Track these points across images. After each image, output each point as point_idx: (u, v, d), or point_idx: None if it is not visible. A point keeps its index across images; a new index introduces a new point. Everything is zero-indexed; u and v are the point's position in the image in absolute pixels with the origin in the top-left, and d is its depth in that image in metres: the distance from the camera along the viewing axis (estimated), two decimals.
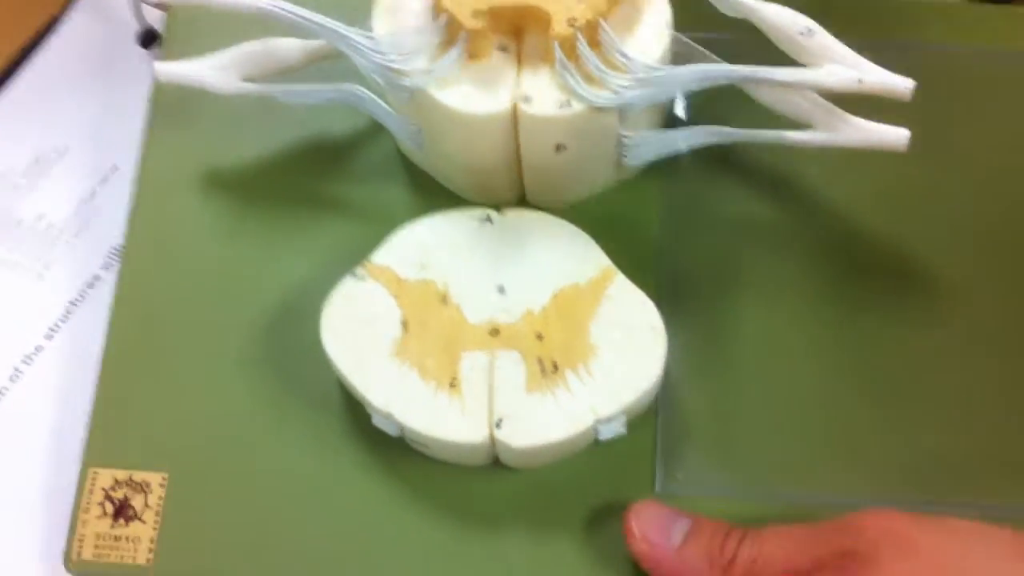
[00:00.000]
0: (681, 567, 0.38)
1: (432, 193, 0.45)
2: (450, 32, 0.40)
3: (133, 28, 0.53)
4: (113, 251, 0.49)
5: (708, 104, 0.45)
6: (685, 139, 0.42)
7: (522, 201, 0.45)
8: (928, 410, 0.42)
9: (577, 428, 0.40)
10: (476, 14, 0.39)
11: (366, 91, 0.43)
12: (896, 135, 0.41)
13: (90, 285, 0.49)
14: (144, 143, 0.48)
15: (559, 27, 0.39)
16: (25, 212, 0.50)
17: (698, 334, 0.43)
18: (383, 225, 0.43)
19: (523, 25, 0.40)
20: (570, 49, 0.39)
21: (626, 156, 0.43)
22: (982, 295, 0.44)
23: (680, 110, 0.45)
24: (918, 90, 0.39)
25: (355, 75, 0.43)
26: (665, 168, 0.45)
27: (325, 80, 0.46)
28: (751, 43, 0.42)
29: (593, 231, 0.43)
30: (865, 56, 0.40)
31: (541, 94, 0.40)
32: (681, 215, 0.45)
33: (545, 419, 0.40)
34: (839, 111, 0.41)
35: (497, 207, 0.43)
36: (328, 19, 0.41)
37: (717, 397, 0.43)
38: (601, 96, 0.39)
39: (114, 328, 0.45)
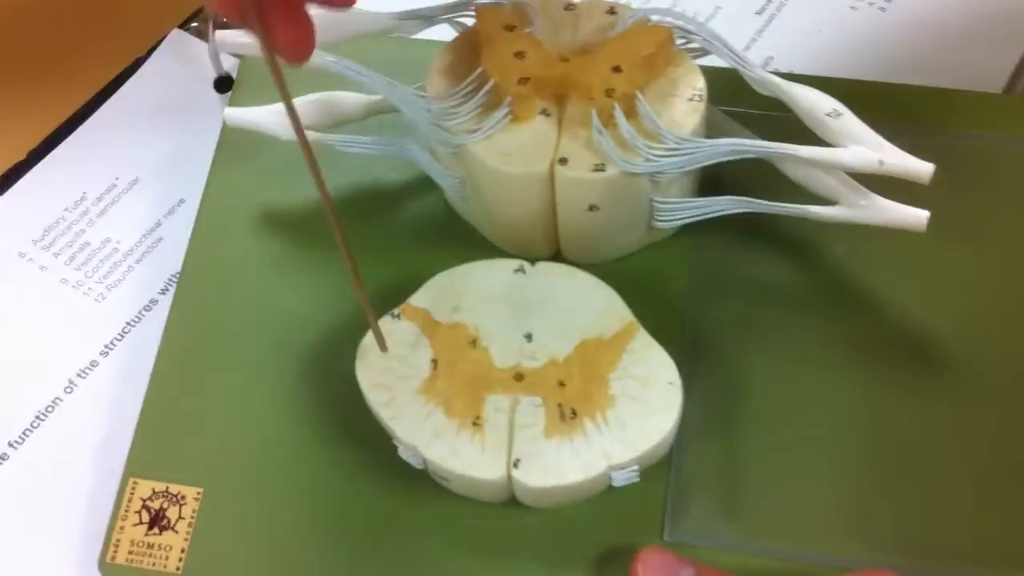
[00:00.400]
0: None
1: (473, 244, 0.48)
2: (497, 96, 0.43)
3: (210, 73, 0.56)
4: (172, 278, 0.52)
5: (739, 172, 0.47)
6: (715, 207, 0.45)
7: (557, 256, 0.48)
8: (936, 480, 0.43)
9: (591, 473, 0.42)
10: (521, 81, 0.42)
11: (416, 145, 0.46)
12: (916, 216, 0.42)
13: (147, 308, 0.52)
14: (208, 179, 0.51)
15: (597, 97, 0.41)
16: (94, 236, 0.54)
17: (716, 391, 0.45)
18: (424, 271, 0.46)
19: (565, 93, 0.43)
20: (607, 117, 0.42)
21: (657, 219, 0.45)
22: (998, 373, 0.45)
23: (710, 176, 0.47)
24: (945, 173, 0.41)
25: (407, 129, 0.46)
26: (695, 231, 0.48)
27: (380, 130, 0.49)
28: (786, 118, 0.45)
29: (621, 287, 0.45)
30: (896, 141, 0.42)
31: (577, 157, 0.42)
32: (708, 277, 0.47)
33: (561, 462, 0.42)
34: (863, 190, 0.43)
35: (532, 260, 0.46)
36: (387, 78, 0.44)
37: (730, 452, 0.44)
38: (634, 163, 0.42)
39: (164, 348, 0.48)
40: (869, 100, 0.45)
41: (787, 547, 0.43)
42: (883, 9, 0.58)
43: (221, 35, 0.46)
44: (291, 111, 0.36)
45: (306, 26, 0.35)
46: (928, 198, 0.42)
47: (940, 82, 0.53)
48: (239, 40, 0.46)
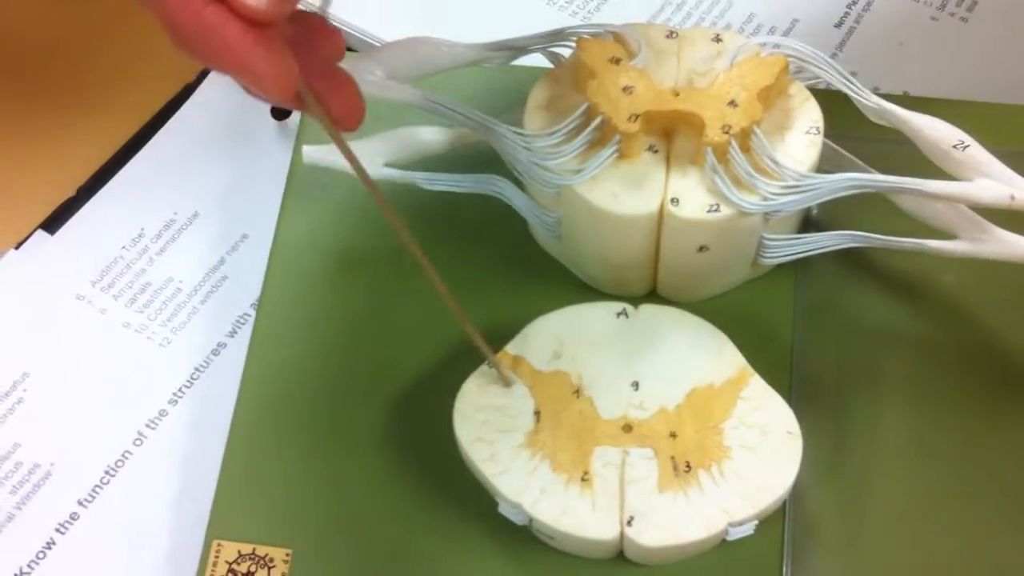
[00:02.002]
0: None
1: (564, 282, 0.46)
2: (603, 132, 0.40)
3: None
4: (240, 319, 0.50)
5: (844, 204, 0.45)
6: (824, 242, 0.43)
7: (653, 294, 0.45)
8: None
9: (709, 530, 0.40)
10: (631, 117, 0.39)
11: (507, 181, 0.44)
12: None
13: (215, 352, 0.49)
14: (280, 215, 0.48)
15: (713, 134, 0.39)
16: (155, 276, 0.51)
17: (830, 436, 0.43)
18: (515, 312, 0.44)
19: (674, 128, 0.41)
20: (722, 154, 0.39)
21: (764, 256, 0.43)
22: None
23: (815, 208, 0.45)
24: None
25: (493, 161, 0.44)
26: (798, 265, 0.45)
27: (462, 164, 0.47)
28: (896, 144, 0.42)
29: (725, 327, 0.43)
30: (1017, 167, 0.40)
31: (689, 196, 0.40)
32: (814, 315, 0.45)
33: (676, 519, 0.40)
34: (985, 223, 0.41)
35: (628, 298, 0.43)
36: (476, 111, 0.42)
37: (847, 499, 0.42)
38: (751, 201, 0.39)
39: (243, 399, 0.45)
40: (976, 121, 0.43)
41: None
42: (964, 20, 0.56)
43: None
44: (370, 185, 0.37)
45: (356, 96, 0.36)
46: None
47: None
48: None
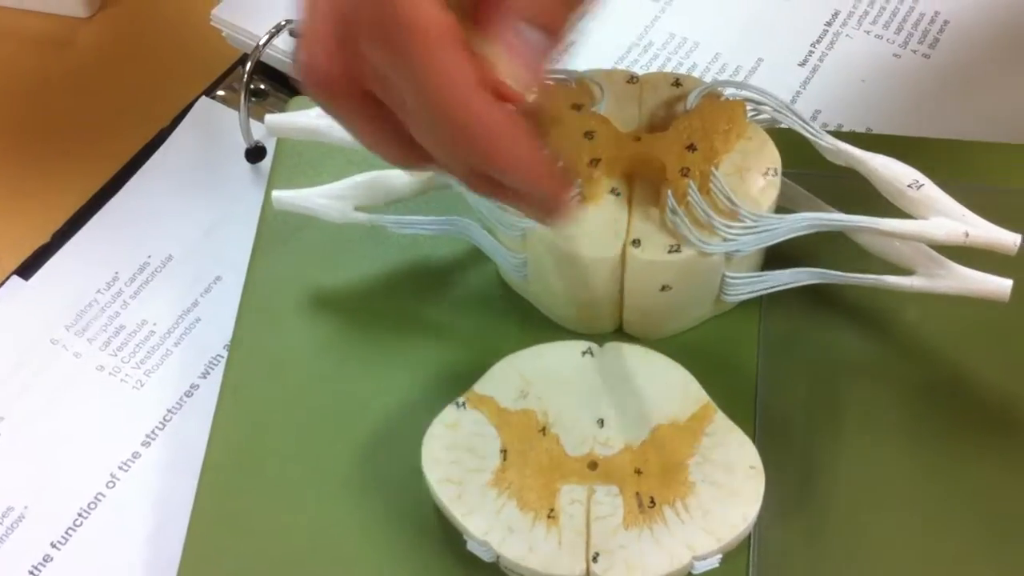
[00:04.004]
0: None
1: (531, 321, 0.46)
2: None
3: (241, 143, 0.55)
4: (212, 360, 0.50)
5: (806, 241, 0.46)
6: (786, 280, 0.43)
7: (619, 331, 0.46)
8: None
9: (674, 565, 0.40)
10: (592, 162, 0.40)
11: (474, 223, 0.44)
12: (998, 285, 0.41)
13: (188, 394, 0.50)
14: (251, 259, 0.49)
15: (673, 177, 0.40)
16: (128, 319, 0.52)
17: (794, 470, 0.43)
18: (483, 351, 0.44)
19: (635, 171, 0.42)
20: (681, 196, 0.40)
21: (727, 294, 0.44)
22: None
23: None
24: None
25: (461, 203, 0.45)
26: (761, 302, 0.46)
27: (431, 206, 0.47)
28: (855, 181, 0.43)
29: (689, 363, 0.43)
30: (969, 200, 0.41)
31: (651, 238, 0.41)
32: (778, 351, 0.46)
33: (641, 555, 0.40)
34: (942, 259, 0.42)
35: (595, 335, 0.44)
36: None
37: (811, 534, 0.43)
38: (711, 242, 0.40)
39: (214, 440, 0.46)
40: (932, 158, 0.43)
41: None
42: (927, 56, 0.57)
43: (270, 119, 0.44)
44: None
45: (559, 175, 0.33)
46: (997, 258, 0.41)
47: (988, 132, 0.51)
48: (288, 122, 0.44)
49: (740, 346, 0.46)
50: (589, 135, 0.41)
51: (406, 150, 0.31)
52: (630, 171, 0.42)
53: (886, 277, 0.43)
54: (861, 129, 0.54)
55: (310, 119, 0.43)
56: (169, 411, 0.49)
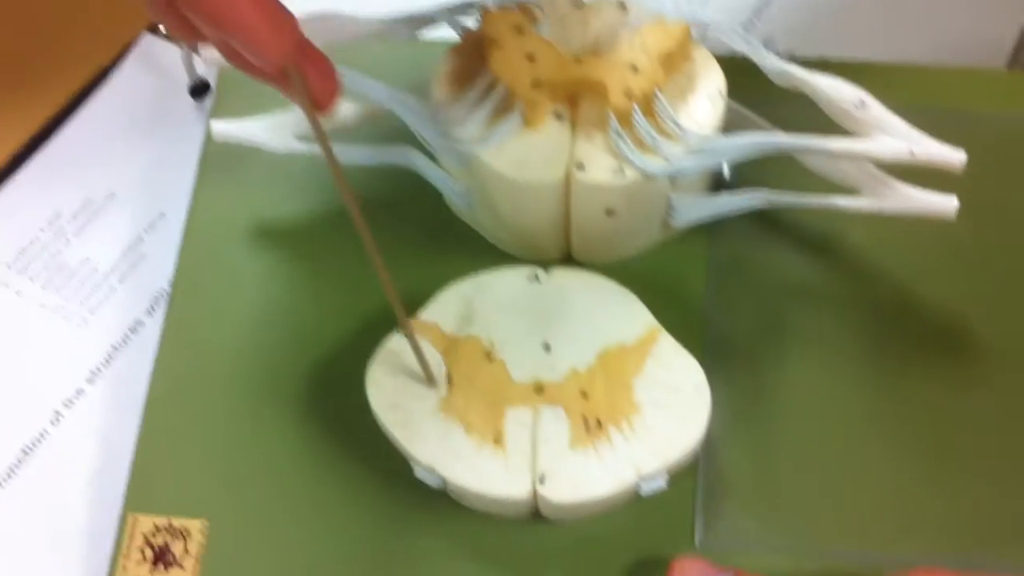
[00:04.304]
0: None
1: (479, 249, 0.46)
2: (507, 100, 0.40)
3: (184, 79, 0.54)
4: (157, 297, 0.50)
5: (754, 164, 0.46)
6: (733, 203, 0.43)
7: (568, 258, 0.46)
8: (973, 470, 0.42)
9: (620, 485, 0.40)
10: (534, 85, 0.40)
11: (419, 153, 0.44)
12: (944, 203, 0.41)
13: (133, 330, 0.49)
14: (194, 193, 0.48)
15: (616, 98, 0.39)
16: (71, 257, 0.51)
17: (742, 391, 0.44)
18: (429, 280, 0.44)
19: (578, 94, 0.41)
20: (625, 118, 0.40)
21: (673, 218, 0.44)
22: None
23: (726, 172, 0.46)
24: (967, 155, 0.40)
25: (406, 134, 0.44)
26: (710, 226, 0.46)
27: (376, 137, 0.47)
28: (801, 106, 0.43)
29: (638, 288, 0.43)
30: (913, 123, 0.41)
31: (594, 162, 0.40)
32: (726, 274, 0.45)
33: (588, 476, 0.40)
34: (887, 178, 0.42)
35: (543, 264, 0.44)
36: (385, 85, 0.42)
37: (759, 453, 0.43)
38: (654, 164, 0.40)
39: (158, 375, 0.45)
40: (880, 82, 0.43)
41: (825, 546, 0.41)
42: None
43: (209, 52, 0.43)
44: (335, 166, 0.36)
45: (335, 76, 0.35)
46: (943, 179, 0.41)
47: (942, 56, 0.51)
48: None
49: (688, 271, 0.46)
50: (531, 58, 0.40)
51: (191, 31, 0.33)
52: (573, 94, 0.41)
53: (834, 198, 0.43)
54: (814, 57, 0.54)
55: None
56: (114, 348, 0.49)
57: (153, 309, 0.49)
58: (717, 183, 0.47)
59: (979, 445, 0.43)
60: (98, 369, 0.48)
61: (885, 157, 0.40)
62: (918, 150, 0.40)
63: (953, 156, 0.40)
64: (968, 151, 0.40)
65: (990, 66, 0.52)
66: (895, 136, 0.40)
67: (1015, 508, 0.42)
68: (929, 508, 0.42)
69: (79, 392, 0.48)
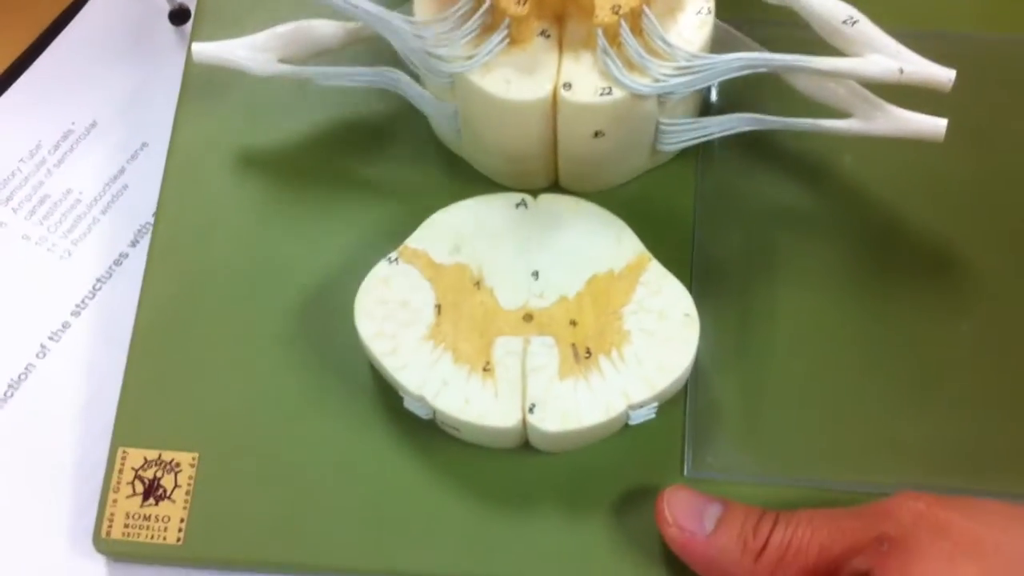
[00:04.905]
0: (714, 553, 0.38)
1: (466, 177, 0.45)
2: (493, 18, 0.40)
3: (164, 5, 0.53)
4: (141, 228, 0.49)
5: (742, 89, 0.45)
6: (721, 126, 0.42)
7: (555, 186, 0.45)
8: (960, 397, 0.42)
9: (609, 414, 0.40)
10: (520, 1, 0.39)
11: (404, 74, 0.43)
12: (933, 125, 0.41)
13: (117, 262, 0.49)
14: (176, 121, 0.48)
15: (603, 15, 0.39)
16: (53, 188, 0.50)
17: (730, 319, 0.43)
18: (417, 208, 0.43)
19: (565, 11, 0.40)
20: (612, 36, 0.39)
21: (663, 142, 0.43)
22: (1016, 283, 0.44)
23: (714, 95, 0.45)
24: (957, 79, 0.39)
25: (391, 57, 0.43)
26: (698, 153, 0.45)
27: (360, 61, 0.46)
28: (790, 28, 0.42)
29: (627, 216, 0.43)
30: (904, 45, 0.40)
31: (582, 81, 0.40)
32: (715, 201, 0.45)
33: (577, 404, 0.40)
34: (877, 100, 0.41)
35: (531, 192, 0.43)
36: (367, 2, 0.41)
37: (748, 382, 0.43)
38: (642, 84, 0.39)
39: (144, 307, 0.45)
40: (870, 3, 0.43)
41: (813, 476, 0.41)
42: None
43: None
44: None
45: None
46: (933, 101, 0.40)
47: None
48: None
49: (677, 198, 0.45)
50: None
51: None
52: (560, 11, 0.40)
53: (823, 121, 0.42)
54: None
55: None
56: (98, 280, 0.48)
57: (137, 241, 0.49)
58: (705, 110, 0.46)
59: (966, 372, 0.43)
60: (83, 302, 0.48)
61: (875, 76, 0.39)
62: (908, 69, 0.39)
63: (942, 74, 0.39)
64: (959, 73, 0.39)
65: None
66: (885, 54, 0.39)
67: (1000, 435, 0.42)
68: (916, 436, 0.42)
69: (65, 325, 0.47)
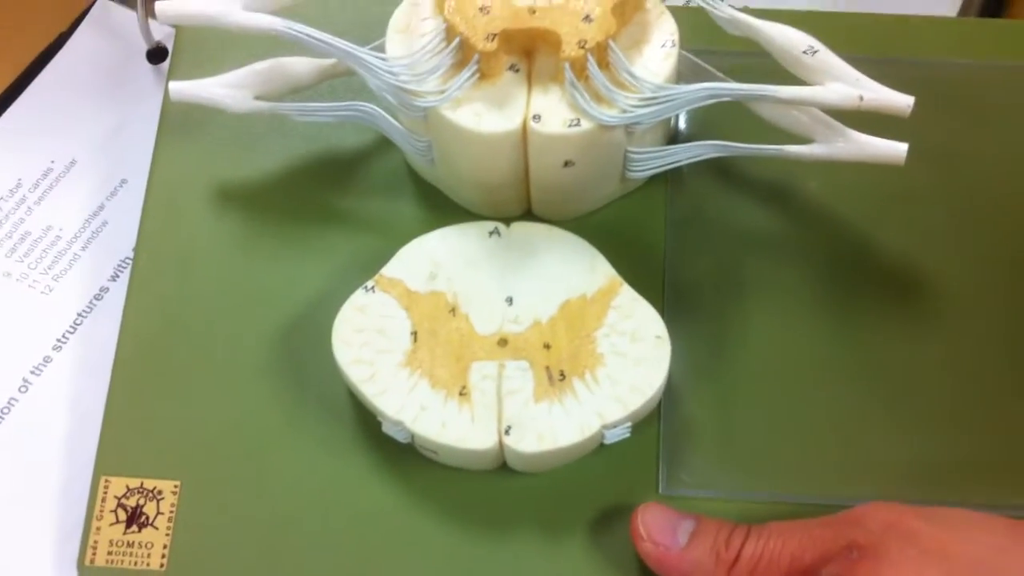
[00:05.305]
0: (687, 566, 0.39)
1: (440, 207, 0.46)
2: (463, 53, 0.41)
3: (141, 45, 0.54)
4: (121, 263, 0.50)
5: (709, 117, 0.46)
6: (688, 153, 0.44)
7: (528, 214, 0.46)
8: (928, 413, 0.43)
9: (584, 434, 0.41)
10: (489, 37, 0.40)
11: (377, 108, 0.44)
12: (894, 149, 0.42)
13: (98, 297, 0.49)
14: (154, 157, 0.48)
15: (569, 49, 0.40)
16: (34, 225, 0.51)
17: (702, 340, 0.44)
18: (392, 238, 0.44)
19: (534, 46, 0.42)
20: (580, 69, 0.40)
21: (631, 170, 0.44)
22: (981, 301, 0.45)
23: (682, 123, 0.46)
24: (916, 103, 0.41)
25: (364, 91, 0.44)
26: (668, 180, 0.47)
27: (334, 96, 0.47)
28: (753, 57, 0.44)
29: (599, 243, 0.44)
30: (863, 72, 0.41)
31: (551, 113, 0.41)
32: (685, 227, 0.46)
33: (553, 426, 0.41)
34: (839, 126, 0.42)
35: (504, 220, 0.44)
36: (341, 40, 0.42)
37: (720, 401, 0.44)
38: (610, 115, 0.40)
39: (124, 338, 0.45)
40: (830, 31, 0.44)
41: (785, 491, 0.42)
42: None
43: (160, 5, 0.43)
44: None
45: None
46: (895, 126, 0.42)
47: (892, 6, 0.52)
48: (179, 9, 0.43)
49: (647, 224, 0.46)
50: (484, 10, 0.40)
51: None
52: (528, 46, 0.41)
53: (787, 147, 0.43)
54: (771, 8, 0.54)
55: (201, 4, 0.42)
56: (79, 315, 0.49)
57: (116, 276, 0.50)
58: (673, 138, 0.47)
59: (932, 389, 0.44)
60: (64, 337, 0.48)
61: (835, 103, 0.41)
62: (868, 96, 0.40)
63: (901, 101, 0.40)
64: (918, 98, 0.41)
65: (940, 14, 0.53)
66: (845, 82, 0.41)
67: (965, 449, 0.43)
68: (885, 452, 0.43)
69: (46, 360, 0.48)
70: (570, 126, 0.41)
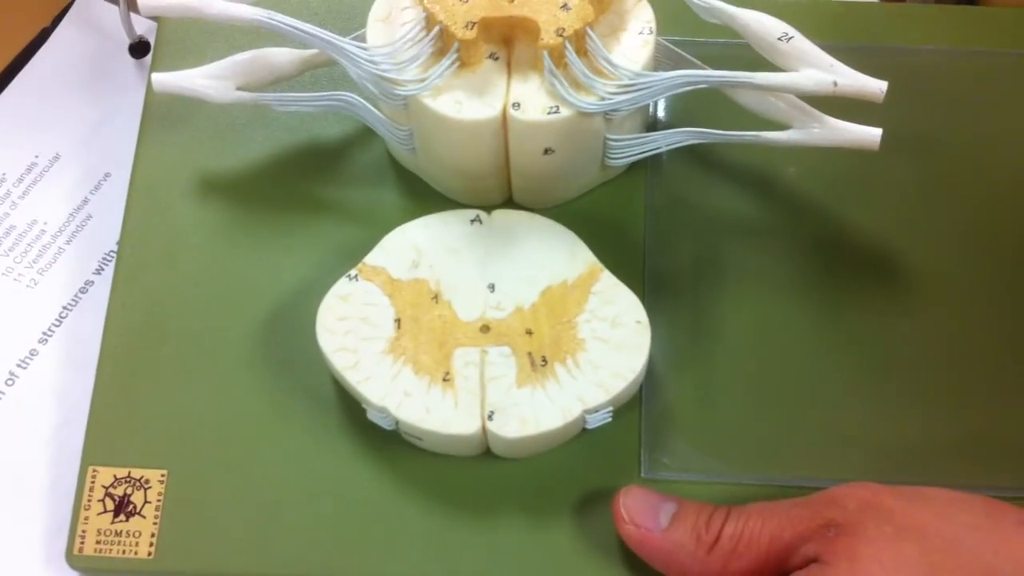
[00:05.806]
0: (669, 547, 0.39)
1: (422, 196, 0.47)
2: (443, 42, 0.41)
3: (124, 39, 0.54)
4: (106, 256, 0.50)
5: (687, 104, 0.47)
6: (666, 139, 0.44)
7: (510, 202, 0.47)
8: (907, 396, 0.44)
9: (566, 419, 0.41)
10: (468, 25, 0.40)
11: (358, 98, 0.45)
12: (869, 135, 0.42)
13: (83, 290, 0.50)
14: (137, 149, 0.49)
15: (547, 37, 0.40)
16: (18, 219, 0.51)
17: (682, 325, 0.45)
18: (375, 227, 0.45)
19: (513, 35, 0.42)
20: (558, 57, 0.41)
21: (611, 157, 0.45)
22: (958, 284, 0.46)
23: (660, 111, 0.47)
24: (891, 90, 0.41)
25: (345, 81, 0.45)
26: (648, 167, 0.47)
27: (316, 86, 0.48)
28: (730, 46, 0.44)
29: (580, 230, 0.44)
30: (838, 59, 0.42)
31: (530, 100, 0.41)
32: (665, 213, 0.47)
33: (535, 411, 0.41)
34: (815, 112, 0.43)
35: (486, 208, 0.45)
36: (322, 30, 0.43)
37: (700, 385, 0.44)
38: (588, 102, 0.41)
39: (110, 330, 0.46)
40: (804, 18, 0.45)
41: (765, 473, 0.43)
42: None
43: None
44: None
45: None
46: (872, 113, 0.42)
47: None
48: (160, 1, 0.43)
49: (627, 211, 0.47)
50: None
51: None
52: (507, 34, 0.42)
53: (764, 133, 0.44)
54: None
55: None
56: (64, 308, 0.49)
57: (101, 269, 0.50)
58: (652, 125, 0.48)
59: (910, 371, 0.44)
60: (50, 330, 0.49)
61: (810, 89, 0.41)
62: (842, 82, 0.41)
63: (875, 86, 0.41)
64: (893, 85, 0.41)
65: (915, 1, 0.54)
66: (819, 68, 0.41)
67: (943, 431, 0.43)
68: (864, 433, 0.43)
69: (32, 353, 0.48)
70: (549, 113, 0.41)
